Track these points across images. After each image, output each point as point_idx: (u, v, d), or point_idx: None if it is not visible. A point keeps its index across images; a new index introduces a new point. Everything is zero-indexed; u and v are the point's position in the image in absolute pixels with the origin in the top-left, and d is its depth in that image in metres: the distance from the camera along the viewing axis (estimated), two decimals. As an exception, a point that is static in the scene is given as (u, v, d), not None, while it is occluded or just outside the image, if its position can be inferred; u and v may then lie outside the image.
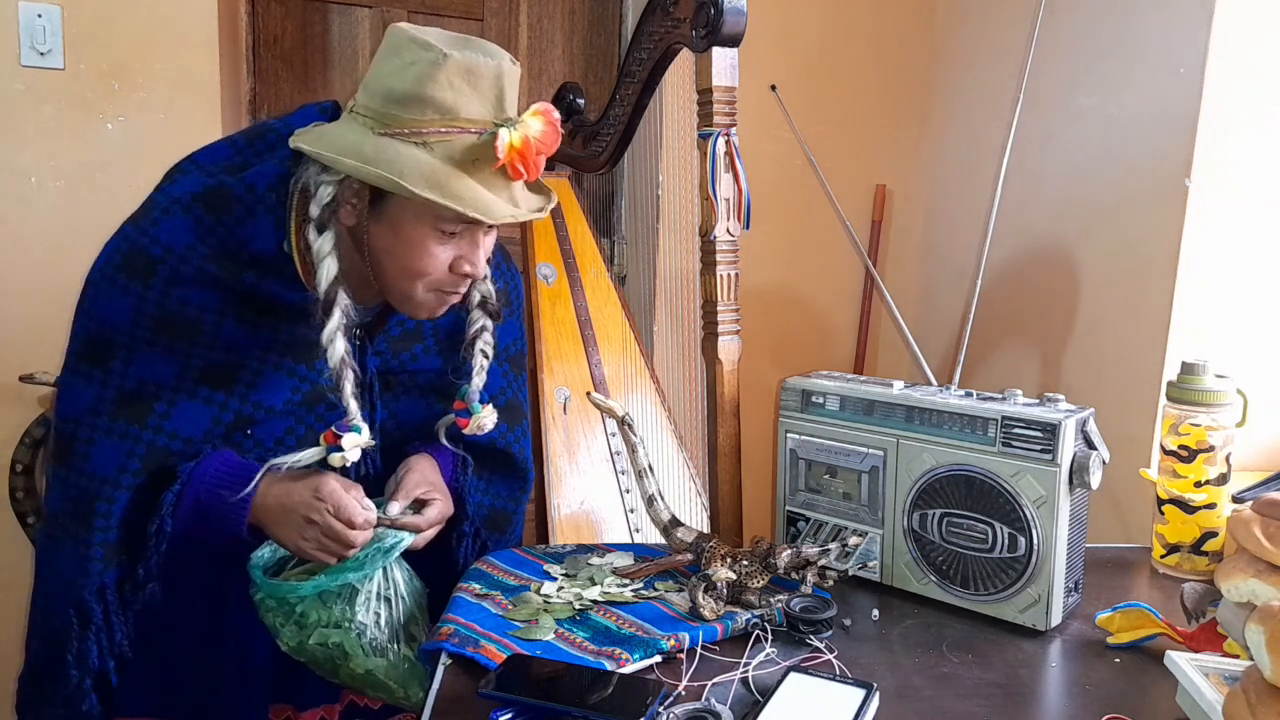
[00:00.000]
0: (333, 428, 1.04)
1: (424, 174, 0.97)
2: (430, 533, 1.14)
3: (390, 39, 1.00)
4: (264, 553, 1.08)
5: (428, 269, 1.03)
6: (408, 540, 1.09)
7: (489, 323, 1.16)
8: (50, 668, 1.08)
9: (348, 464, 1.05)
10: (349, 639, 1.05)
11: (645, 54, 1.37)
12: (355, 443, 1.04)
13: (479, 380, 1.15)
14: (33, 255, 1.83)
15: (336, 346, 1.02)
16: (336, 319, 1.02)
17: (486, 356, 1.16)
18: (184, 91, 1.88)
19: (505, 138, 0.98)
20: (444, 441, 1.20)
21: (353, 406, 1.04)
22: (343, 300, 1.03)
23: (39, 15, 1.79)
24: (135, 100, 1.86)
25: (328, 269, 1.02)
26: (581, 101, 1.74)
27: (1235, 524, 0.95)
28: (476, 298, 1.16)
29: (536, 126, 1.00)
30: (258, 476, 1.05)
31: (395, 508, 1.10)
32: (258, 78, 2.23)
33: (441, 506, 1.15)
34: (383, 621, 1.07)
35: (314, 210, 1.02)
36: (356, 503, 1.05)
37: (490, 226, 1.04)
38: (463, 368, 1.17)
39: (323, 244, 1.02)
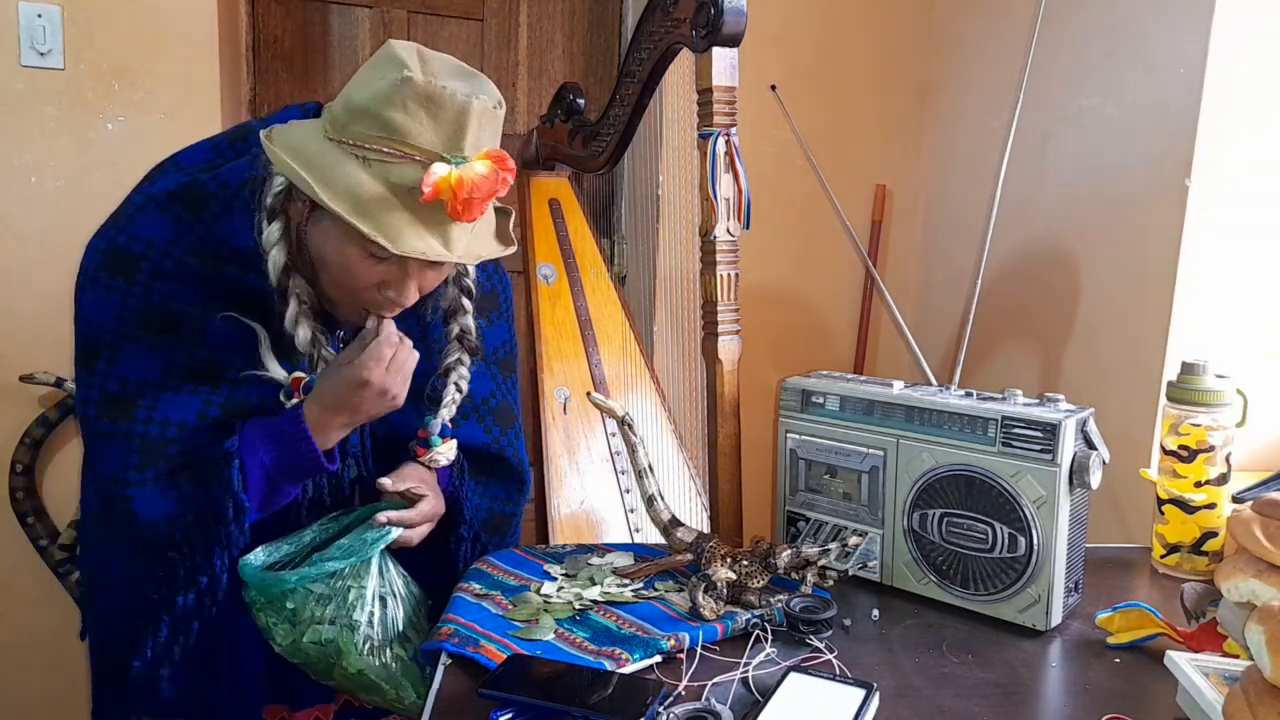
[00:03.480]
0: (299, 373, 1.05)
1: (349, 189, 0.94)
2: (423, 529, 1.13)
3: (381, 50, 0.98)
4: (256, 556, 1.07)
5: (351, 285, 1.03)
6: (395, 533, 1.09)
7: (466, 358, 1.16)
8: (112, 667, 1.09)
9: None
10: (343, 636, 1.05)
11: (645, 54, 1.37)
12: None
13: (445, 413, 1.16)
14: (33, 255, 1.83)
15: (301, 331, 1.03)
16: (294, 306, 1.03)
17: (460, 390, 1.16)
18: (184, 92, 1.88)
19: (439, 171, 0.93)
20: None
21: None
22: (297, 286, 1.03)
23: (39, 15, 1.78)
24: (135, 100, 1.85)
25: (275, 258, 1.02)
26: (581, 101, 1.74)
27: (1235, 524, 0.95)
28: (456, 330, 1.16)
29: (479, 169, 0.95)
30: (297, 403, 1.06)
31: (386, 482, 1.11)
32: (258, 78, 2.23)
33: (433, 502, 1.14)
34: (377, 621, 1.07)
35: (266, 199, 1.01)
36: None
37: (434, 261, 1.00)
38: (433, 395, 1.16)
39: (271, 233, 1.01)
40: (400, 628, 1.09)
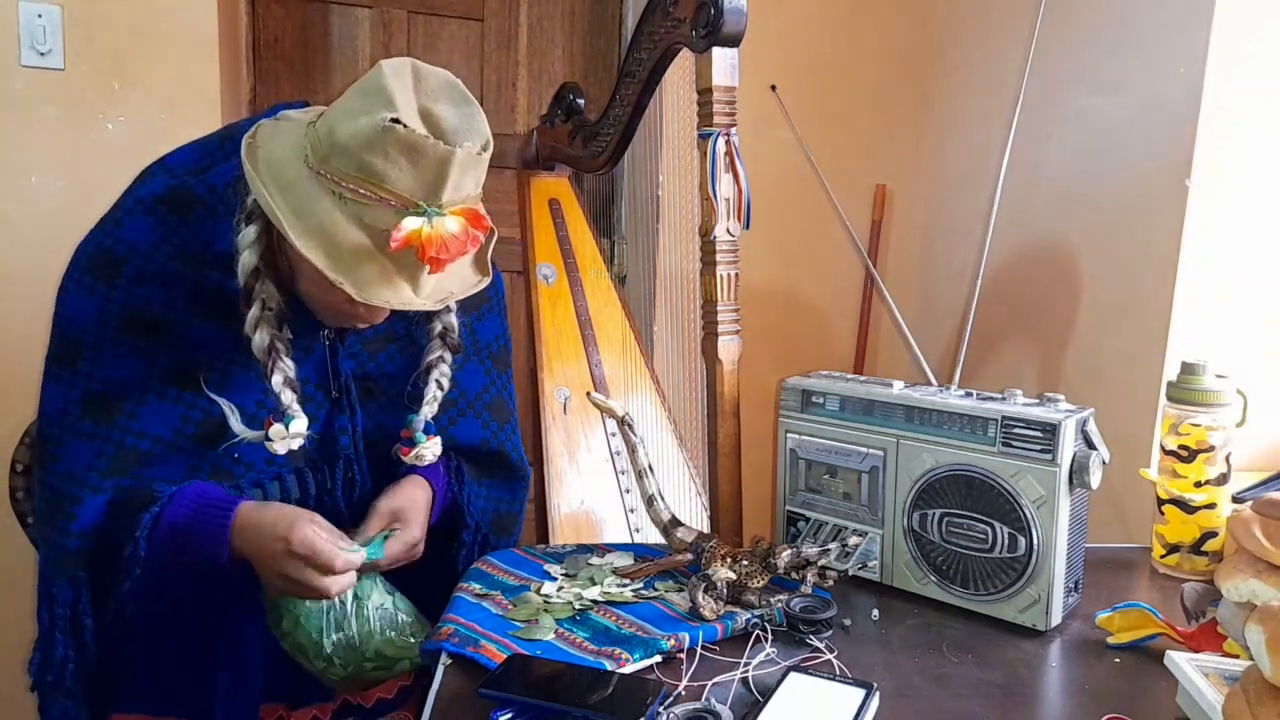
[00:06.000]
0: (270, 416, 1.04)
1: (323, 227, 0.93)
2: (404, 556, 1.14)
3: (373, 75, 0.95)
4: None
5: (321, 299, 1.04)
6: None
7: (447, 355, 1.16)
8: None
9: (277, 454, 1.04)
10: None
11: (645, 54, 1.36)
12: (281, 434, 1.03)
13: (428, 411, 1.15)
14: (32, 255, 1.83)
15: (259, 336, 1.02)
16: (256, 310, 1.02)
17: (441, 388, 1.16)
18: (184, 92, 1.88)
19: (410, 224, 0.92)
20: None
21: (284, 397, 1.03)
22: (264, 291, 1.02)
23: (39, 15, 1.78)
24: (135, 100, 1.85)
25: (246, 260, 1.01)
26: (581, 101, 1.73)
27: (1235, 524, 0.95)
28: (438, 327, 1.15)
29: (450, 227, 0.94)
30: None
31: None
32: (258, 78, 2.23)
33: (405, 539, 1.13)
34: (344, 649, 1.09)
35: (248, 199, 1.00)
36: (335, 547, 1.03)
37: None
38: (415, 393, 1.16)
39: (246, 234, 1.01)
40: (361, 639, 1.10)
